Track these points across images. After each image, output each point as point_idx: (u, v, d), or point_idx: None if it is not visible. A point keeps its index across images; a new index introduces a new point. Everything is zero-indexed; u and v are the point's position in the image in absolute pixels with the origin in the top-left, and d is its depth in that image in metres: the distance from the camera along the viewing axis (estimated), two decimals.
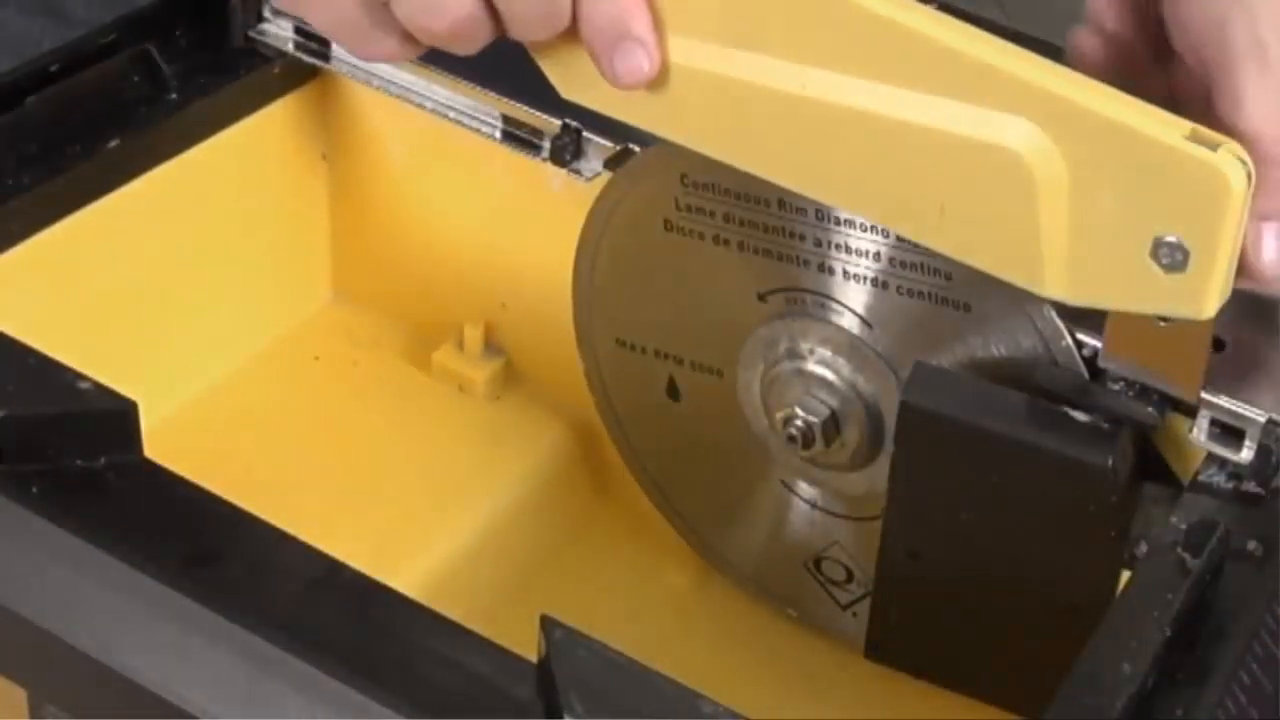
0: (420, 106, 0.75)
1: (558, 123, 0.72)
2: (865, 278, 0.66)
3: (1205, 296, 0.53)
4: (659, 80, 0.57)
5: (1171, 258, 0.53)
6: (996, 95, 0.53)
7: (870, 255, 0.65)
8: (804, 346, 0.68)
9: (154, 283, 0.77)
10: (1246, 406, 0.61)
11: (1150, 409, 0.62)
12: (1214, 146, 0.52)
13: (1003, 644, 0.67)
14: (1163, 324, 0.60)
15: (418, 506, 0.76)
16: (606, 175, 0.71)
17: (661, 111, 0.58)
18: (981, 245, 0.55)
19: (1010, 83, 0.53)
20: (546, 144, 0.73)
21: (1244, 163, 0.52)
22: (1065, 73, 0.54)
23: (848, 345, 0.67)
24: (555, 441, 0.80)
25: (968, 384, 0.64)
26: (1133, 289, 0.54)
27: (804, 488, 0.72)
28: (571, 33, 0.56)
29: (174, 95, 0.75)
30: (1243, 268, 0.55)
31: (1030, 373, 0.63)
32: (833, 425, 0.68)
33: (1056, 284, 0.55)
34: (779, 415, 0.69)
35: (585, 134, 0.72)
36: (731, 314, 0.69)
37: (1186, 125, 0.52)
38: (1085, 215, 0.53)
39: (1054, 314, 0.63)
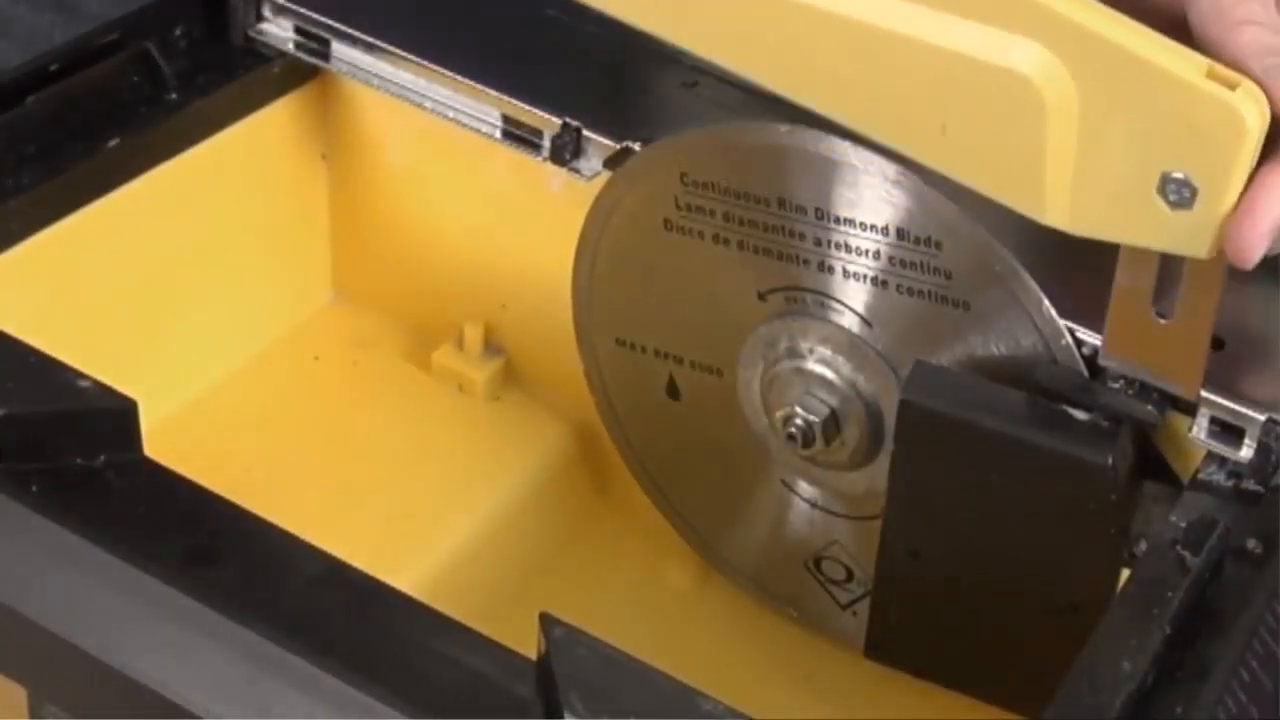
0: (420, 106, 0.75)
1: (558, 122, 0.72)
2: (865, 277, 0.66)
3: (1207, 236, 0.53)
4: None
5: (1179, 194, 0.53)
6: (1010, 17, 0.52)
7: (870, 254, 0.65)
8: (804, 345, 0.68)
9: (154, 283, 0.77)
10: (1246, 405, 0.61)
11: (1150, 407, 0.62)
12: (1232, 86, 0.51)
13: (1003, 643, 0.67)
14: (1163, 322, 0.60)
15: (418, 506, 0.76)
16: (606, 175, 0.71)
17: (664, 11, 0.57)
18: (983, 167, 0.54)
19: (1026, 5, 0.52)
20: (546, 143, 0.73)
21: (1259, 104, 0.51)
22: (1084, 1, 0.53)
23: (848, 344, 0.67)
24: (555, 441, 0.80)
25: (967, 383, 0.64)
26: (1135, 223, 0.53)
27: (804, 487, 0.72)
28: None
29: (174, 95, 0.75)
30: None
31: (1030, 371, 0.63)
32: (833, 424, 0.68)
33: (1057, 212, 0.54)
34: (779, 414, 0.69)
35: (585, 133, 0.72)
36: (731, 313, 0.69)
37: (1205, 63, 0.51)
38: (1093, 145, 0.53)
39: (1054, 312, 0.63)
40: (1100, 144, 0.53)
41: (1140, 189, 0.53)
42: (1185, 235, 0.53)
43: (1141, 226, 0.54)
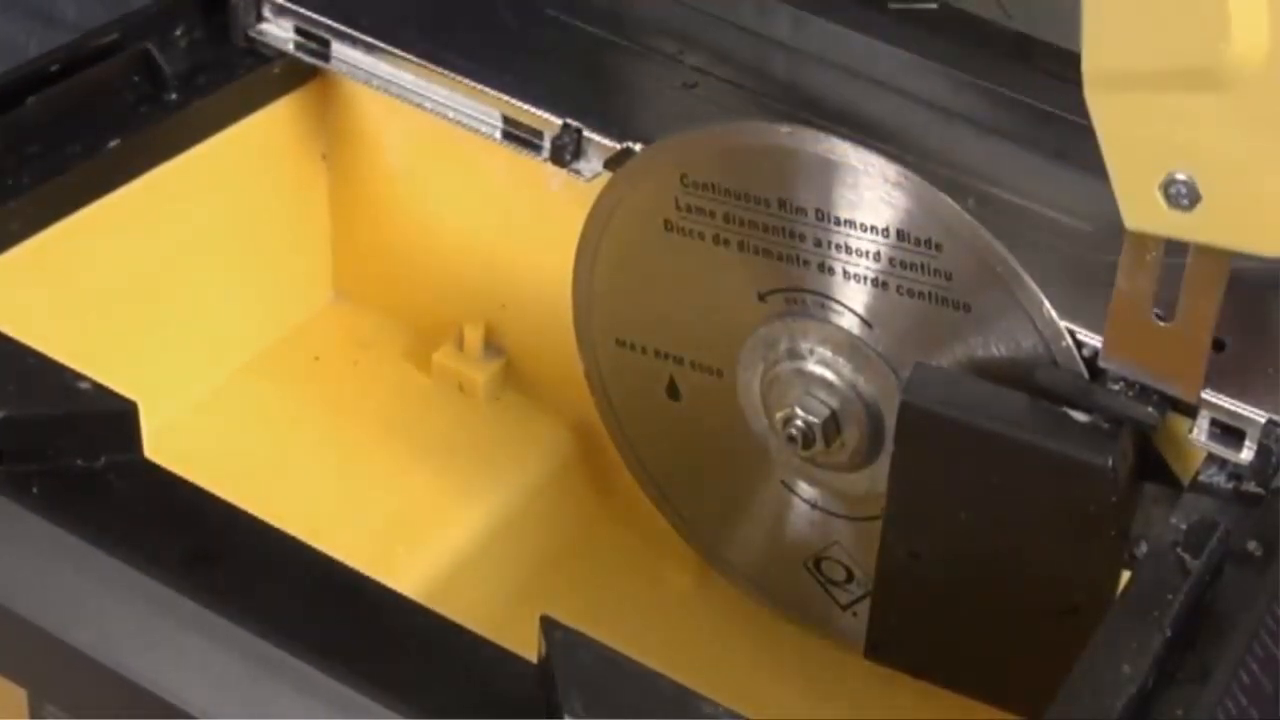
0: (420, 106, 0.75)
1: (558, 122, 0.72)
2: (865, 278, 0.66)
3: (1146, 222, 0.53)
4: None
5: (1177, 194, 0.53)
6: None
7: (870, 255, 0.65)
8: (804, 346, 0.68)
9: (154, 283, 0.77)
10: (1246, 406, 0.61)
11: (1150, 409, 0.62)
12: None
13: (1003, 644, 0.67)
14: (1163, 325, 0.60)
15: (418, 507, 0.76)
16: (606, 175, 0.71)
17: None
18: None
19: None
20: (546, 144, 0.73)
21: None
22: None
23: (848, 345, 0.67)
24: (555, 441, 0.80)
25: (968, 384, 0.64)
26: (1117, 146, 0.53)
27: (804, 488, 0.72)
28: None
29: (174, 95, 0.75)
30: None
31: (1030, 373, 0.63)
32: (833, 425, 0.68)
33: (1096, 68, 0.53)
34: (779, 415, 0.69)
35: (585, 134, 0.72)
36: (731, 314, 0.69)
37: None
38: (1184, 101, 0.52)
39: (1054, 314, 0.63)
40: (1191, 109, 0.51)
41: (1157, 159, 0.52)
42: (1137, 207, 0.53)
43: (1118, 163, 0.53)
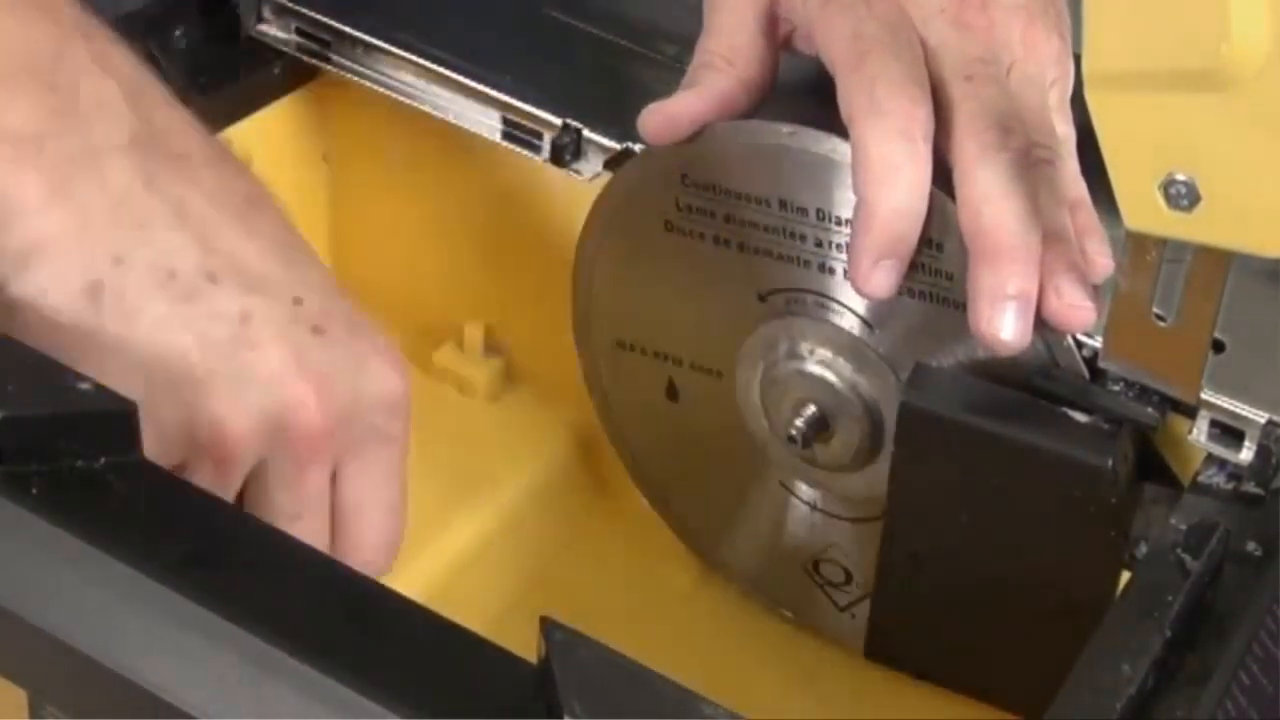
0: (420, 107, 0.75)
1: (558, 122, 0.72)
2: None
3: (1146, 222, 0.54)
4: None
5: (1177, 194, 0.53)
6: None
7: None
8: (804, 347, 0.68)
9: None
10: (1246, 407, 0.61)
11: (1150, 409, 0.62)
12: None
13: (1003, 644, 0.67)
14: (1163, 325, 0.60)
15: (417, 507, 0.76)
16: (606, 175, 0.71)
17: None
18: None
19: None
20: (546, 144, 0.73)
21: None
22: None
23: (848, 345, 0.67)
24: (555, 441, 0.80)
25: (968, 384, 0.64)
26: (1117, 146, 0.54)
27: (803, 489, 0.72)
28: None
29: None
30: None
31: (1030, 373, 0.63)
32: (832, 426, 0.68)
33: (1096, 68, 0.53)
34: (779, 416, 0.69)
35: (585, 134, 0.72)
36: (731, 314, 0.69)
37: None
38: (1184, 101, 0.52)
39: None
40: (1189, 111, 0.52)
41: (1156, 158, 0.53)
42: (1135, 204, 0.53)
43: (1118, 159, 0.54)
